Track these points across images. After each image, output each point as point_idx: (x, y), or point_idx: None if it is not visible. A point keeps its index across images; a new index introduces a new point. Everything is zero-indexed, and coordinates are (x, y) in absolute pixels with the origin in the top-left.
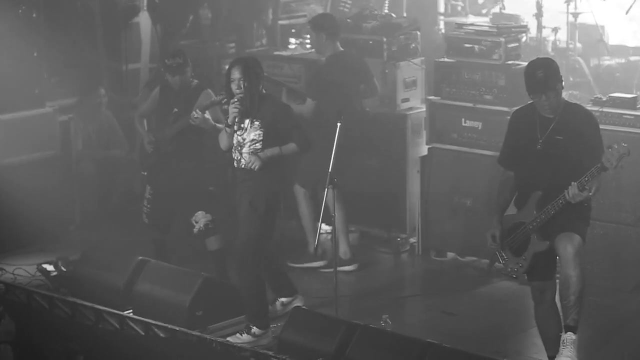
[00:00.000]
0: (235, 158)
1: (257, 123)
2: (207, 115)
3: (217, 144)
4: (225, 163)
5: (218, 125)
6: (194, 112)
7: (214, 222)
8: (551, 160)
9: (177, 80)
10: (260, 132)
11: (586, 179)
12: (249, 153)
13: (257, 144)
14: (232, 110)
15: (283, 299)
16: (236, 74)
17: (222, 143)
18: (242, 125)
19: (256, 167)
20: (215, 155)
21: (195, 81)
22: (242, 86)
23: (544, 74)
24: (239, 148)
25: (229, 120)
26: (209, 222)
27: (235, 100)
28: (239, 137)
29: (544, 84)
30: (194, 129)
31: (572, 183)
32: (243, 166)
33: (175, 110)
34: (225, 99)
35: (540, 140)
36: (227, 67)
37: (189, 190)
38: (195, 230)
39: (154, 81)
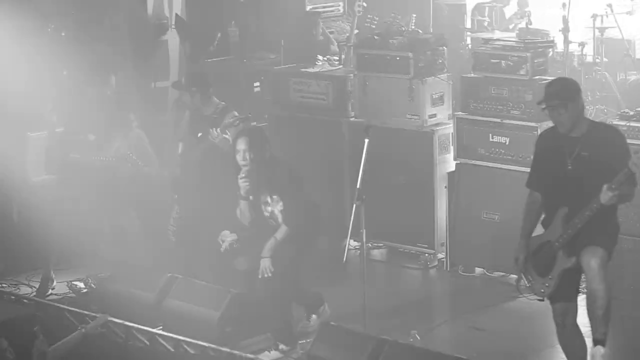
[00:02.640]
0: (271, 224)
1: (275, 197)
2: (227, 135)
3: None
4: None
5: None
6: (211, 130)
7: (240, 242)
8: (579, 178)
9: (197, 101)
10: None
11: (614, 185)
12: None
13: None
14: (242, 184)
15: (314, 315)
16: (241, 146)
17: (243, 217)
18: (265, 199)
19: (271, 268)
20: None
21: (222, 103)
22: (247, 158)
23: (559, 86)
24: (272, 220)
25: (243, 193)
26: (234, 241)
27: (243, 175)
28: (266, 212)
29: (554, 95)
30: (217, 153)
31: (603, 188)
32: None
33: (200, 134)
34: (238, 121)
35: (569, 160)
36: (255, 84)
37: (217, 210)
38: (222, 249)
39: (183, 99)
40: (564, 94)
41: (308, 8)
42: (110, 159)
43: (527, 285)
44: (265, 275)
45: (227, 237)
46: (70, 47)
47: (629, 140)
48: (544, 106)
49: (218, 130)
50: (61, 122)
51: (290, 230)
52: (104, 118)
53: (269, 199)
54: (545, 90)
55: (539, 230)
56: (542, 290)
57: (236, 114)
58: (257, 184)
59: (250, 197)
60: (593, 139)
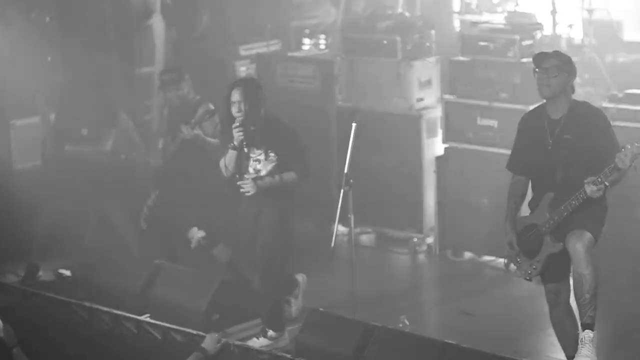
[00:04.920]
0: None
1: (272, 155)
2: (197, 130)
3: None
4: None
5: (210, 139)
6: (182, 127)
7: (208, 238)
8: (562, 160)
9: (173, 96)
10: (277, 164)
11: (599, 179)
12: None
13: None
14: (237, 134)
15: (292, 298)
16: (236, 97)
17: (227, 167)
18: (255, 156)
19: (249, 193)
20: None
21: (197, 97)
22: (242, 109)
23: (562, 54)
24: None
25: (235, 143)
26: (201, 238)
27: (237, 124)
28: (252, 169)
29: (547, 54)
30: (193, 147)
31: (587, 182)
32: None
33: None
34: (208, 115)
35: (550, 141)
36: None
37: (189, 206)
38: (192, 246)
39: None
40: (565, 60)
41: None
42: (106, 151)
43: (515, 265)
44: (244, 191)
45: (196, 234)
46: (55, 33)
47: (618, 123)
48: (539, 68)
49: (188, 127)
50: (52, 110)
51: (298, 180)
52: (97, 114)
53: (261, 156)
54: (543, 52)
55: (525, 210)
56: (530, 272)
57: (211, 106)
58: (251, 136)
59: (245, 149)
60: (575, 120)
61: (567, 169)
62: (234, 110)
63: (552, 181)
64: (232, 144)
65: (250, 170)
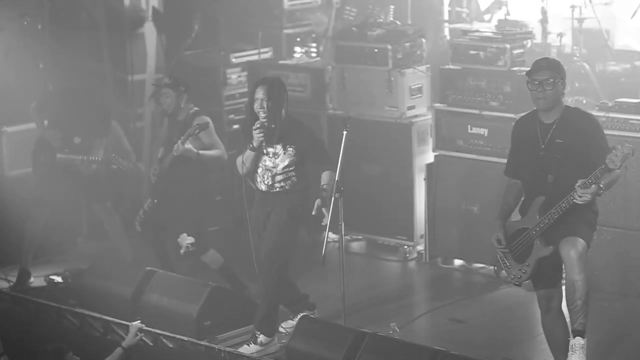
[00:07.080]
0: (264, 182)
1: (290, 149)
2: (188, 145)
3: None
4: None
5: (203, 152)
6: (175, 145)
7: (197, 244)
8: (553, 164)
9: (166, 101)
10: (295, 159)
11: (590, 181)
12: (283, 178)
13: (291, 170)
14: (257, 136)
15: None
16: (260, 94)
17: (244, 165)
18: (273, 150)
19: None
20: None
21: (195, 108)
22: (264, 106)
23: (553, 61)
24: (269, 173)
25: (255, 145)
26: (189, 244)
27: (258, 126)
28: (269, 162)
29: (546, 67)
30: (187, 159)
31: (576, 186)
32: (278, 189)
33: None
34: (198, 130)
35: (542, 146)
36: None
37: (181, 213)
38: (181, 252)
39: (160, 92)
40: (556, 68)
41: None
42: (96, 159)
43: (504, 270)
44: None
45: (185, 241)
46: (47, 40)
47: (607, 131)
48: (530, 80)
49: (179, 143)
50: (45, 117)
51: (334, 174)
52: (89, 122)
53: (280, 150)
54: (535, 63)
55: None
56: (519, 277)
57: (207, 119)
58: (270, 135)
59: (264, 150)
60: (567, 125)
61: (558, 173)
62: (257, 106)
63: (544, 185)
64: (251, 145)
65: (268, 163)
